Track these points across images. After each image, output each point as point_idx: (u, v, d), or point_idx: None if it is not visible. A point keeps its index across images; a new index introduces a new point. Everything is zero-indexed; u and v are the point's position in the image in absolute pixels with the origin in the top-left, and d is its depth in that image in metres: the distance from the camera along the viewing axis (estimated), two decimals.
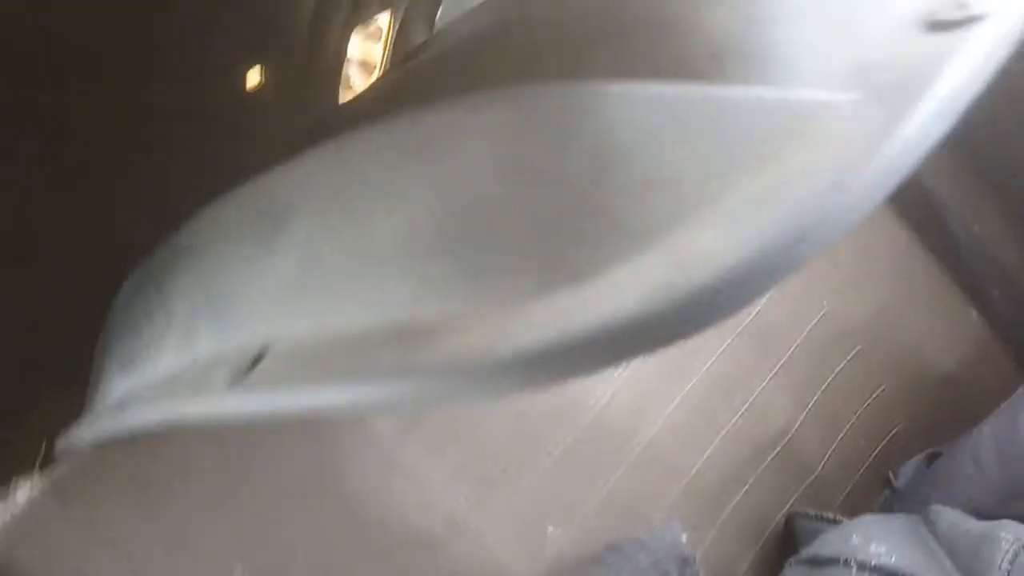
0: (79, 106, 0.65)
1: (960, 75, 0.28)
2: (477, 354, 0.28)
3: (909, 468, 0.79)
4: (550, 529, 0.65)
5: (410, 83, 0.42)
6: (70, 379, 0.63)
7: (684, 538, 0.59)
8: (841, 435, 0.79)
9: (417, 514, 0.62)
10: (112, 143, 0.69)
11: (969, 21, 0.30)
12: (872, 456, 0.80)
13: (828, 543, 0.54)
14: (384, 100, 0.43)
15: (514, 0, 0.45)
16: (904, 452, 0.80)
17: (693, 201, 0.27)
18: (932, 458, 0.79)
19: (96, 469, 0.56)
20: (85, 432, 0.55)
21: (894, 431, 0.81)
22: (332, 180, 0.36)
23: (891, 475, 0.79)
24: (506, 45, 0.38)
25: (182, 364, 0.46)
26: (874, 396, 0.80)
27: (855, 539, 0.52)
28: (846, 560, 0.51)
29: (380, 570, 0.61)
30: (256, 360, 0.38)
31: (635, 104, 0.29)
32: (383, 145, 0.34)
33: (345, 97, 0.89)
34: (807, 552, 0.55)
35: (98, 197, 0.69)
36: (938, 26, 0.31)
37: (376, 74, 0.93)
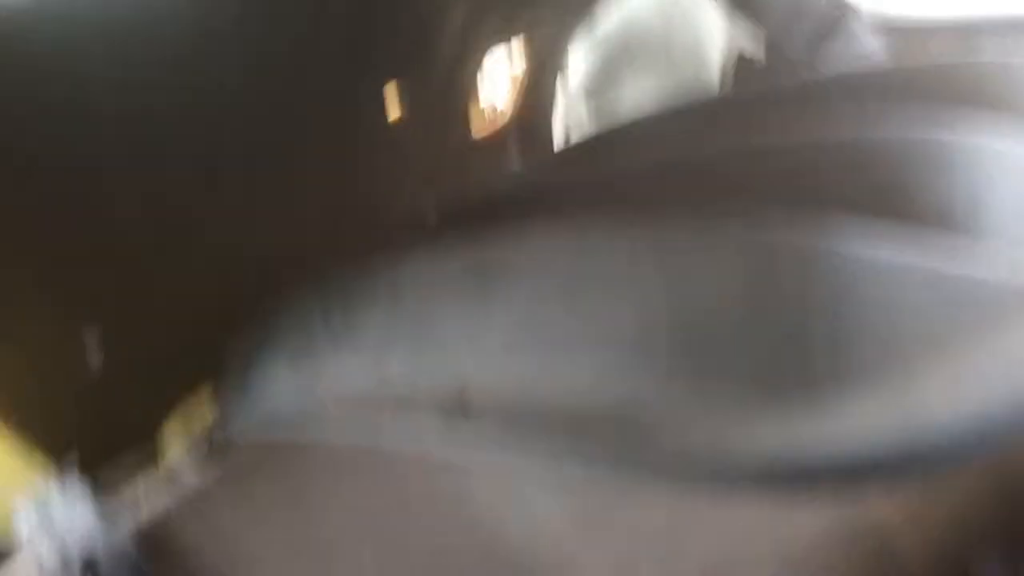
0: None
1: None
2: (701, 452, 0.32)
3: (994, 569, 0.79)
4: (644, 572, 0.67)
5: (630, 181, 0.46)
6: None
7: None
8: (934, 523, 0.79)
9: (533, 551, 0.65)
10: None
11: None
12: (962, 549, 0.80)
13: None
14: (608, 192, 0.47)
15: (738, 120, 0.49)
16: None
17: (926, 361, 0.31)
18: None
19: (260, 463, 0.60)
20: (256, 429, 0.60)
21: (987, 527, 0.81)
22: (566, 259, 0.41)
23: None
24: (732, 168, 0.42)
25: (368, 383, 0.51)
26: (969, 502, 0.80)
27: None
28: None
29: None
30: (462, 403, 0.42)
31: (877, 268, 0.33)
32: (621, 242, 0.38)
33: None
34: None
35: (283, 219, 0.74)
36: None
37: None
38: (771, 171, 0.40)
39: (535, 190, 0.55)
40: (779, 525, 0.70)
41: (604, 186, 0.47)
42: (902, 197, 0.36)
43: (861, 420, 0.30)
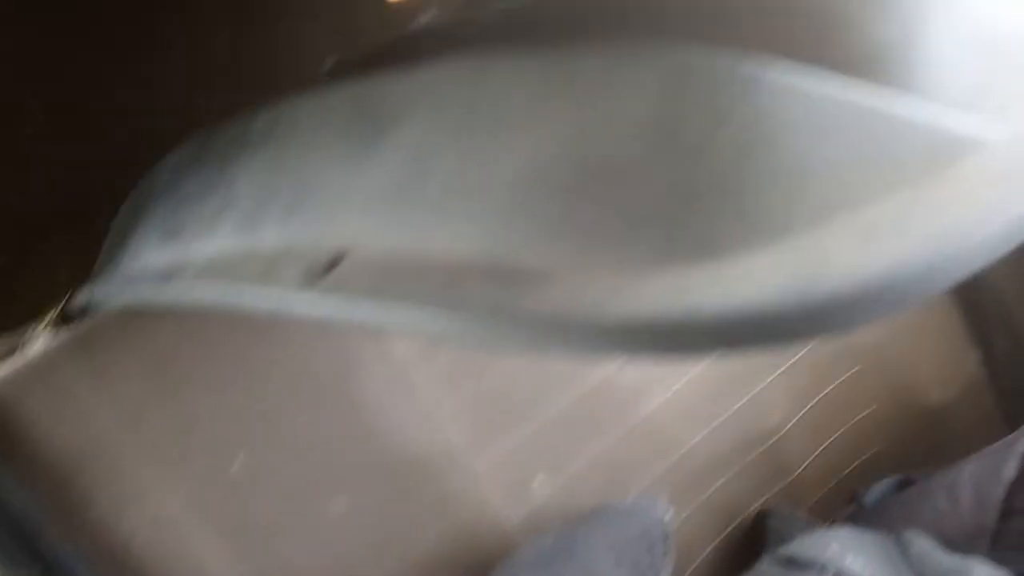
0: None
1: None
2: (583, 311, 0.28)
3: (878, 489, 0.81)
4: (539, 477, 0.66)
5: (533, 14, 0.41)
6: (84, 227, 0.63)
7: (668, 516, 0.60)
8: (825, 445, 0.81)
9: (417, 438, 0.63)
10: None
11: None
12: (847, 471, 0.83)
13: (806, 547, 0.56)
14: (516, 26, 0.42)
15: None
16: (877, 473, 0.83)
17: (836, 203, 0.28)
18: (903, 484, 0.81)
19: (120, 332, 0.55)
20: (116, 293, 0.54)
21: (873, 452, 0.84)
22: (463, 97, 0.36)
23: (860, 492, 0.81)
24: None
25: (240, 248, 0.45)
26: (863, 414, 0.83)
27: (834, 547, 0.54)
28: (823, 566, 0.53)
29: (373, 482, 0.62)
30: (333, 263, 0.37)
31: (796, 93, 0.29)
32: (529, 73, 0.33)
33: None
34: (784, 551, 0.57)
35: (162, 57, 0.67)
36: None
37: None
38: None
39: (438, 32, 0.49)
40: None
41: (510, 21, 0.42)
42: (829, 28, 0.31)
43: (760, 274, 0.26)
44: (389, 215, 0.37)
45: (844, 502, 0.82)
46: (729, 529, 0.76)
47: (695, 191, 0.29)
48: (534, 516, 0.66)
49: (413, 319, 0.31)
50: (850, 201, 0.27)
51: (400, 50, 0.54)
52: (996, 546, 0.64)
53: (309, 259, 0.38)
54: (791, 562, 0.56)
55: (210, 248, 0.49)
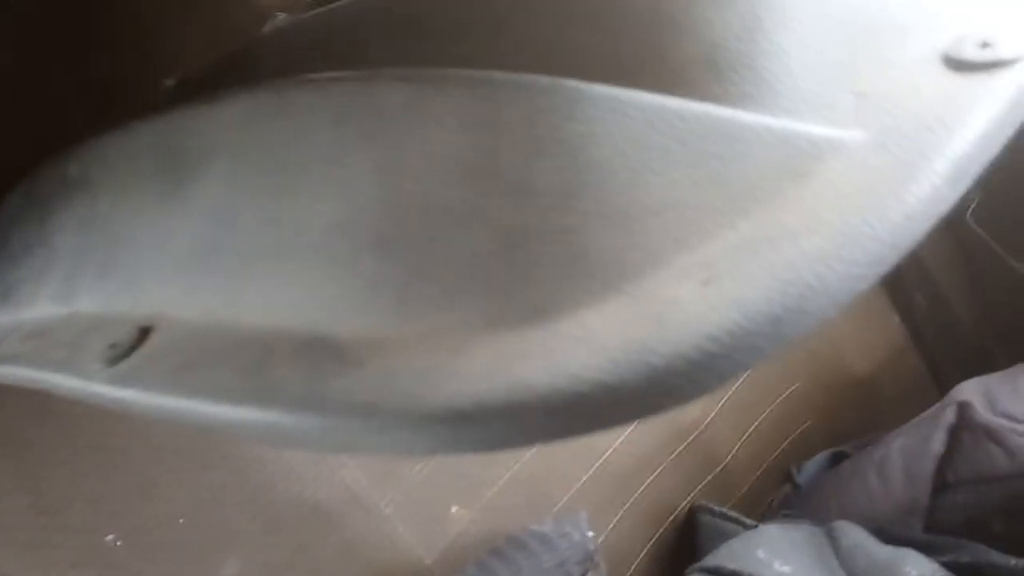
0: None
1: (980, 129, 0.25)
2: (397, 398, 0.23)
3: (812, 466, 0.80)
4: (453, 509, 0.62)
5: (353, 29, 0.36)
6: None
7: (590, 534, 0.57)
8: (751, 429, 0.79)
9: (312, 484, 0.58)
10: None
11: (994, 65, 0.27)
12: (778, 451, 0.81)
13: (733, 555, 0.53)
14: (325, 45, 0.37)
15: None
16: (810, 450, 0.81)
17: (675, 241, 0.24)
18: (836, 457, 0.79)
19: None
20: None
21: (802, 428, 0.82)
22: (263, 136, 0.31)
23: (793, 471, 0.79)
24: (460, 9, 0.32)
25: (58, 316, 0.40)
26: (788, 392, 0.80)
27: (760, 554, 0.51)
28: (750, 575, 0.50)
29: (268, 539, 0.57)
30: (139, 340, 0.32)
31: (623, 113, 0.25)
32: (330, 108, 0.29)
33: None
34: (710, 561, 0.54)
35: None
36: (959, 65, 0.27)
37: None
38: (491, 8, 0.30)
39: (273, 44, 0.44)
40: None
41: (324, 32, 0.37)
42: (662, 25, 0.27)
43: (594, 336, 0.22)
44: (197, 277, 0.32)
45: (778, 483, 0.80)
46: (662, 529, 0.73)
47: (519, 238, 0.24)
48: (453, 548, 0.62)
49: (215, 416, 0.27)
50: (690, 237, 0.23)
51: (237, 67, 0.49)
52: (931, 521, 0.62)
53: (114, 336, 0.33)
54: (717, 572, 0.53)
55: (35, 314, 0.43)
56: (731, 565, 0.52)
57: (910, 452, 0.65)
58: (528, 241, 0.24)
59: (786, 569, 0.50)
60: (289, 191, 0.29)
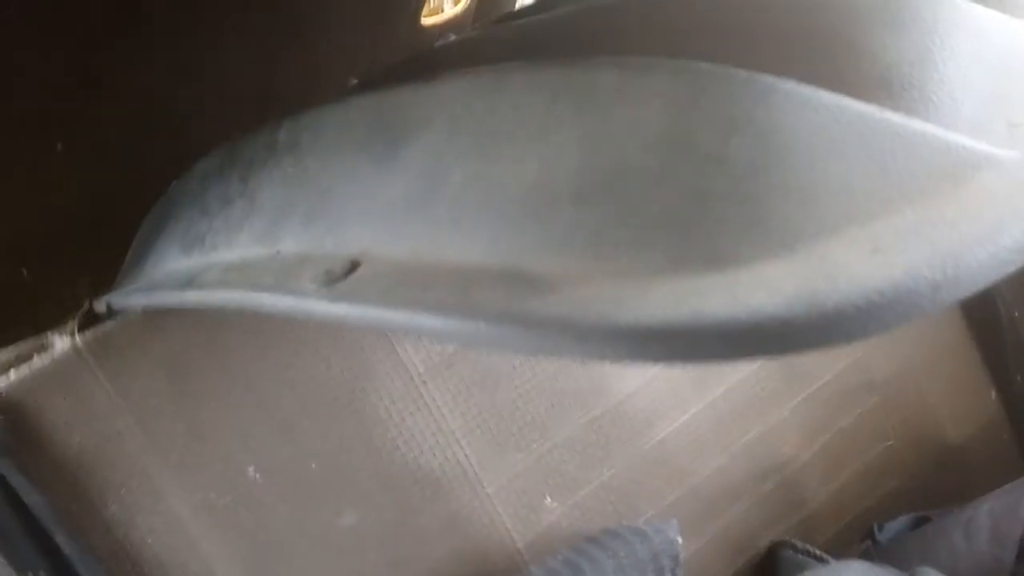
0: None
1: None
2: (592, 316, 0.28)
3: (894, 526, 0.80)
4: (547, 500, 0.66)
5: (551, 32, 0.41)
6: (107, 237, 0.64)
7: (680, 540, 0.60)
8: (841, 479, 0.80)
9: (429, 452, 0.63)
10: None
11: None
12: (864, 506, 0.82)
13: None
14: (532, 41, 0.43)
15: None
16: (893, 509, 0.82)
17: (845, 217, 0.28)
18: (918, 521, 0.80)
19: (138, 338, 0.56)
20: (136, 299, 0.55)
21: (889, 487, 0.83)
22: (479, 109, 0.36)
23: (876, 528, 0.80)
24: (662, 14, 0.38)
25: (260, 256, 0.46)
26: (879, 449, 0.82)
27: None
28: None
29: (384, 497, 0.62)
30: (350, 269, 0.38)
31: (808, 107, 0.29)
32: (543, 85, 0.34)
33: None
34: None
35: (192, 77, 0.69)
36: None
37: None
38: (698, 13, 0.36)
39: (458, 48, 0.50)
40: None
41: (527, 37, 0.43)
42: (839, 44, 0.32)
43: (770, 283, 0.26)
44: (404, 224, 0.38)
45: (858, 538, 0.81)
46: (741, 562, 0.75)
47: (706, 200, 0.29)
48: (543, 538, 0.66)
49: (425, 323, 0.32)
50: (859, 215, 0.28)
51: (421, 65, 0.56)
52: None
53: (326, 266, 0.39)
54: None
55: (231, 256, 0.50)
56: None
57: (999, 514, 0.66)
58: (716, 201, 0.29)
59: None
60: (500, 151, 0.35)
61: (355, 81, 0.66)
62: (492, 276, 0.32)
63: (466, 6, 0.90)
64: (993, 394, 0.85)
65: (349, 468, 0.60)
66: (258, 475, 0.58)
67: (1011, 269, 0.26)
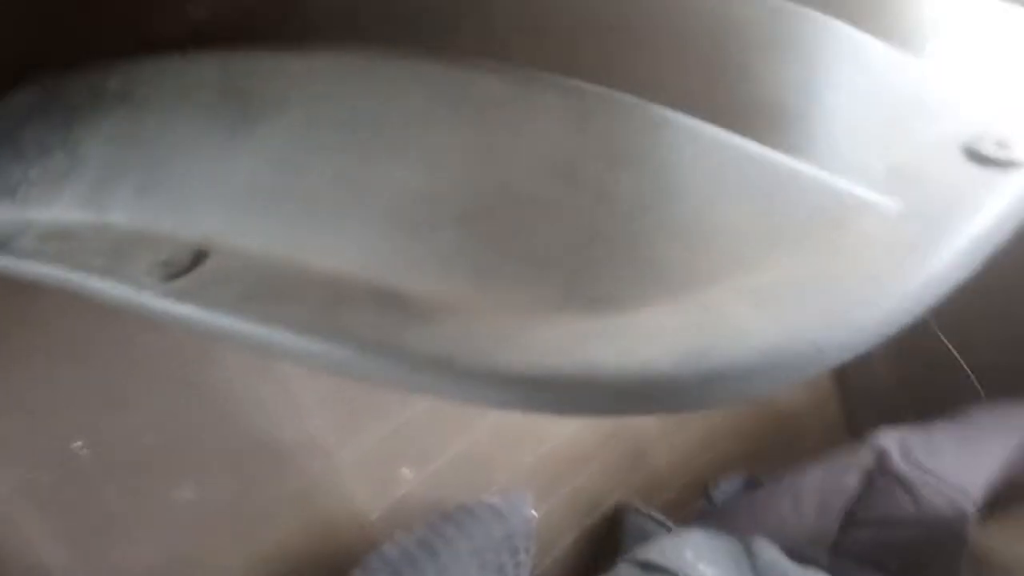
0: None
1: (992, 218, 0.29)
2: (472, 355, 0.26)
3: (727, 486, 0.85)
4: (404, 471, 0.65)
5: (446, 11, 0.38)
6: None
7: (534, 514, 0.60)
8: (682, 443, 0.84)
9: (278, 425, 0.60)
10: None
11: (1007, 164, 0.31)
12: (701, 467, 0.86)
13: (661, 551, 0.58)
14: (398, 19, 0.39)
15: None
16: (728, 469, 0.87)
17: (731, 263, 0.27)
18: (750, 483, 0.85)
19: None
20: None
21: (726, 449, 0.88)
22: (353, 94, 0.32)
23: (711, 487, 0.85)
24: (542, 18, 0.35)
25: (87, 222, 0.41)
26: (721, 414, 0.86)
27: (688, 554, 0.56)
28: (676, 573, 0.55)
29: (226, 470, 0.58)
30: (195, 260, 0.34)
31: (696, 142, 0.28)
32: (430, 85, 0.31)
33: None
34: (641, 554, 0.58)
35: None
36: (978, 158, 0.32)
37: None
38: (582, 21, 0.33)
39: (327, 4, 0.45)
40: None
41: (413, 16, 0.39)
42: (723, 72, 0.30)
43: (659, 334, 0.25)
44: (258, 213, 0.34)
45: (695, 497, 0.86)
46: (588, 524, 0.77)
47: (596, 236, 0.27)
48: (396, 510, 0.65)
49: (286, 344, 0.29)
50: (744, 262, 0.27)
51: (283, 16, 0.50)
52: (836, 553, 0.68)
53: (166, 253, 0.35)
54: (647, 566, 0.57)
55: (49, 215, 0.44)
56: (660, 560, 0.56)
57: (825, 486, 0.71)
58: (603, 239, 0.27)
59: (710, 571, 0.55)
60: (366, 152, 0.32)
61: (202, 14, 0.59)
62: (362, 293, 0.29)
63: None
64: None
65: (188, 441, 0.56)
66: (85, 450, 0.53)
67: (890, 332, 0.26)
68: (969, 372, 0.90)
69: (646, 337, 0.25)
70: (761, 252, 0.27)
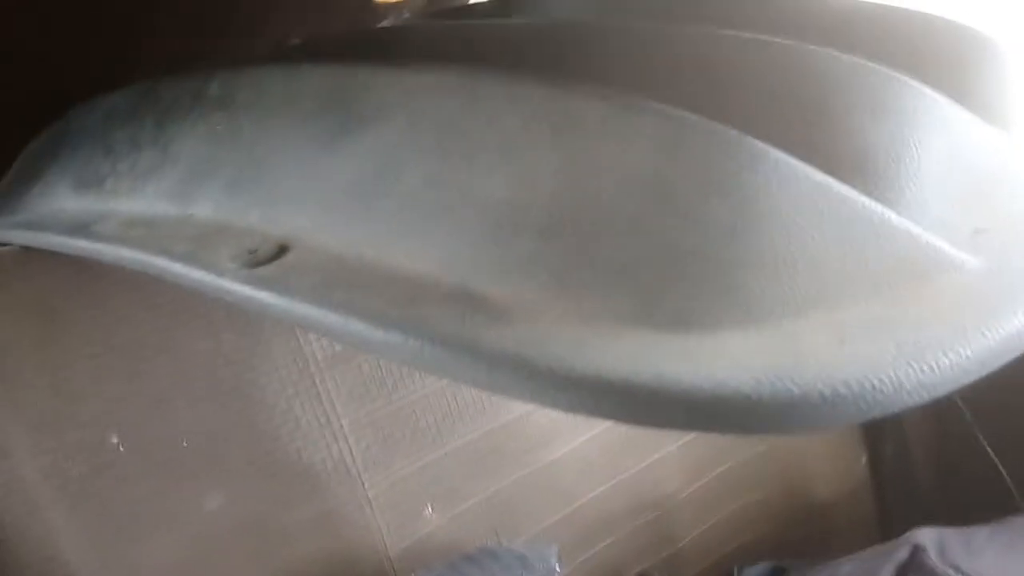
0: None
1: None
2: (549, 357, 0.26)
3: (753, 571, 0.83)
4: (428, 509, 0.64)
5: (526, 39, 0.39)
6: None
7: (558, 567, 0.59)
8: (711, 522, 0.82)
9: (313, 445, 0.59)
10: None
11: None
12: (728, 550, 0.84)
13: None
14: (493, 48, 0.40)
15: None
16: (755, 555, 0.84)
17: (817, 298, 0.27)
18: (776, 572, 0.82)
19: (10, 276, 0.50)
20: (17, 235, 0.50)
21: (755, 534, 0.85)
22: (449, 110, 0.34)
23: (736, 571, 0.82)
24: (647, 49, 0.36)
25: (170, 214, 0.42)
26: (752, 498, 0.84)
27: None
28: None
29: (256, 484, 0.58)
30: (278, 252, 0.35)
31: (794, 180, 0.28)
32: (524, 101, 0.32)
33: None
34: None
35: None
36: None
37: None
38: (685, 57, 0.34)
39: (418, 35, 0.47)
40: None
41: (497, 39, 0.40)
42: (822, 120, 0.31)
43: (737, 356, 0.25)
44: (348, 214, 0.34)
45: None
46: None
47: (680, 257, 0.28)
48: (417, 547, 0.64)
49: (360, 332, 0.29)
50: (830, 299, 0.27)
51: (377, 43, 0.52)
52: None
53: (249, 242, 0.36)
54: None
55: (133, 207, 0.45)
56: None
57: None
58: (689, 260, 0.28)
59: None
60: (467, 159, 0.32)
61: (297, 42, 0.62)
62: (442, 292, 0.30)
63: None
64: (863, 459, 0.89)
65: (223, 450, 0.56)
66: (122, 446, 0.53)
67: (969, 379, 0.26)
68: (1009, 481, 0.87)
69: (724, 357, 0.25)
70: (847, 291, 0.27)
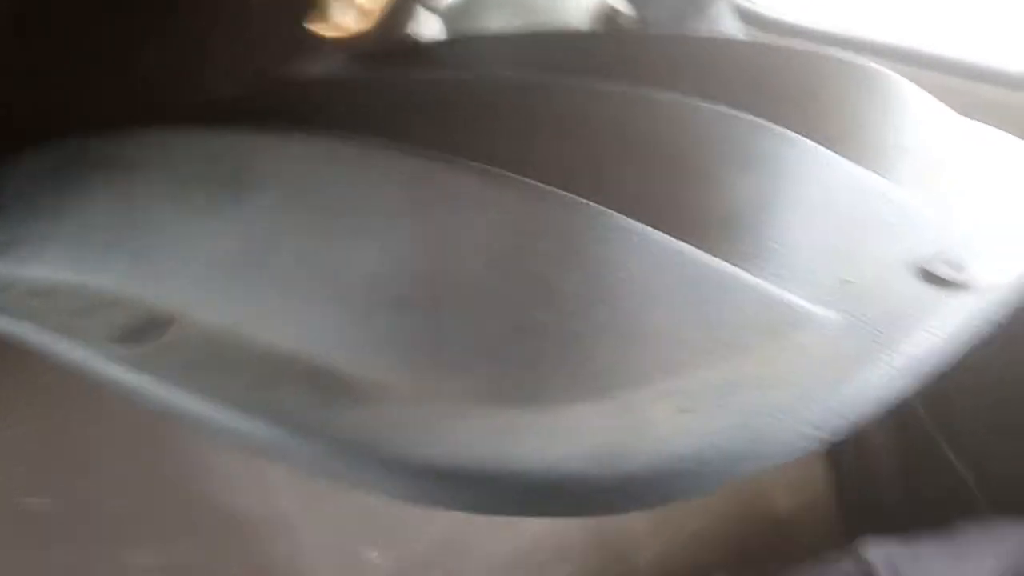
0: None
1: (934, 337, 0.29)
2: (395, 442, 0.26)
3: None
4: (373, 554, 0.64)
5: (421, 100, 0.39)
6: None
7: None
8: (669, 539, 0.81)
9: (246, 497, 0.59)
10: None
11: (959, 286, 0.31)
12: (689, 564, 0.83)
13: None
14: (397, 108, 0.40)
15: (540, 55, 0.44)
16: (714, 572, 0.84)
17: (663, 365, 0.27)
18: None
19: None
20: None
21: (716, 547, 0.85)
22: (333, 181, 0.34)
23: None
24: (518, 109, 0.36)
25: (65, 281, 0.42)
26: (713, 511, 0.84)
27: None
28: None
29: (188, 538, 0.57)
30: (160, 327, 0.34)
31: (647, 250, 0.28)
32: (403, 173, 0.32)
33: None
34: None
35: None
36: (930, 278, 0.32)
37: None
38: (546, 125, 0.34)
39: (326, 89, 0.47)
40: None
41: (400, 98, 0.40)
42: (687, 176, 0.31)
43: (578, 432, 0.25)
44: (226, 289, 0.34)
45: None
46: None
47: (534, 331, 0.28)
48: None
49: (218, 417, 0.29)
50: (672, 365, 0.27)
51: (297, 101, 0.52)
52: None
53: (132, 317, 0.35)
54: None
55: (38, 273, 0.45)
56: None
57: None
58: (540, 334, 0.27)
59: None
60: (326, 236, 0.32)
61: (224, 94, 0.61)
62: (304, 370, 0.29)
63: (368, 28, 0.86)
64: (821, 465, 0.89)
65: (151, 506, 0.56)
66: (43, 507, 0.53)
67: (814, 445, 0.26)
68: (974, 489, 0.87)
69: (564, 434, 0.25)
70: (692, 357, 0.27)
